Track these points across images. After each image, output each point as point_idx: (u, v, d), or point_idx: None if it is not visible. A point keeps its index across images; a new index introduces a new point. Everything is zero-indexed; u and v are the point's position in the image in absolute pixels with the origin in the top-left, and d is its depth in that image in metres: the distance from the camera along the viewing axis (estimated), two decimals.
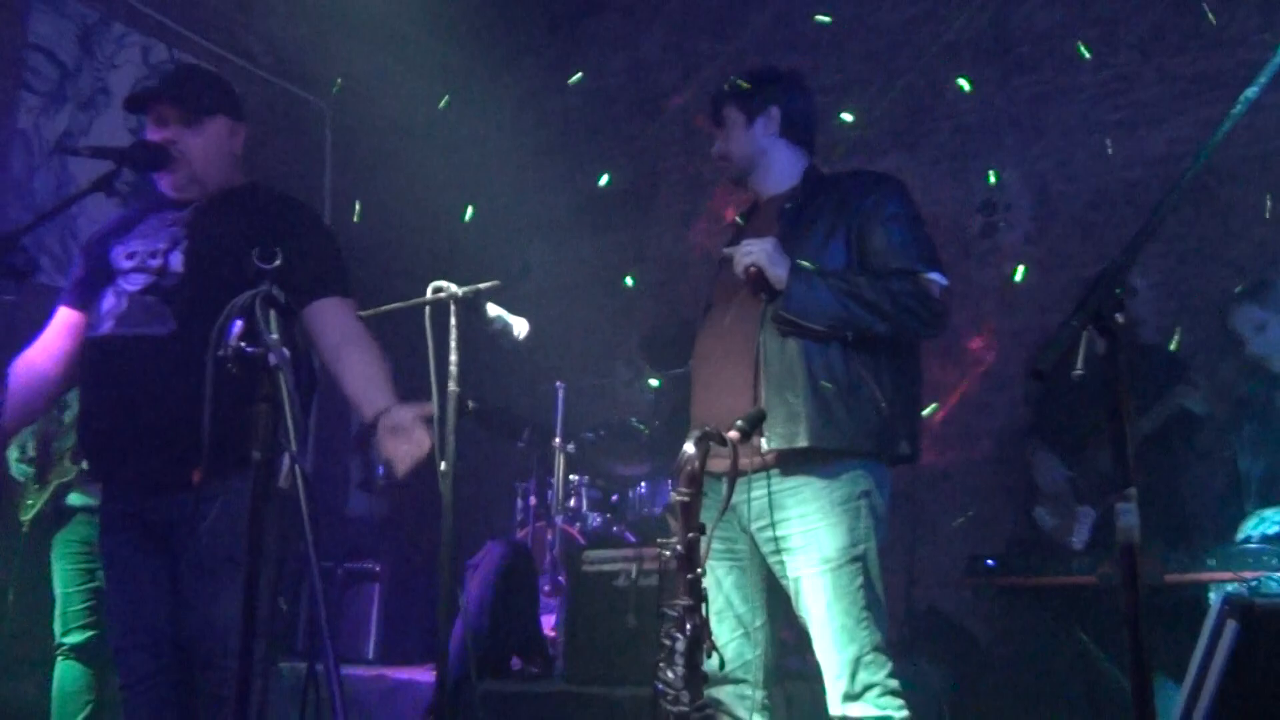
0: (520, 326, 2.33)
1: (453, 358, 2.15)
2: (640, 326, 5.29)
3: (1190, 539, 3.70)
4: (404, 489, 5.76)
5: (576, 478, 4.67)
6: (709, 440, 1.97)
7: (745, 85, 2.63)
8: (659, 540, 1.99)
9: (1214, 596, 3.01)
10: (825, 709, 2.28)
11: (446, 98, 5.86)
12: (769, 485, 2.32)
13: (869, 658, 2.24)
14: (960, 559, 3.96)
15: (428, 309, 2.16)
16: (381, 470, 5.86)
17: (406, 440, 2.14)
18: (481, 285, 2.22)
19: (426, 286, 2.20)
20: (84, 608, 3.50)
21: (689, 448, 1.96)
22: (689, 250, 5.66)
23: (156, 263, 2.31)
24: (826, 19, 5.23)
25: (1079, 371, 1.37)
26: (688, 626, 1.91)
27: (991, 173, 4.95)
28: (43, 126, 4.59)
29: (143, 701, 2.28)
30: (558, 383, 4.71)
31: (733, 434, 1.98)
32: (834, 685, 2.26)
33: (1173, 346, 4.11)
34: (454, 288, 2.18)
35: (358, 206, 5.54)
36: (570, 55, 6.45)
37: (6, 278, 2.13)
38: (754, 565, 2.41)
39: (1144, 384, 3.69)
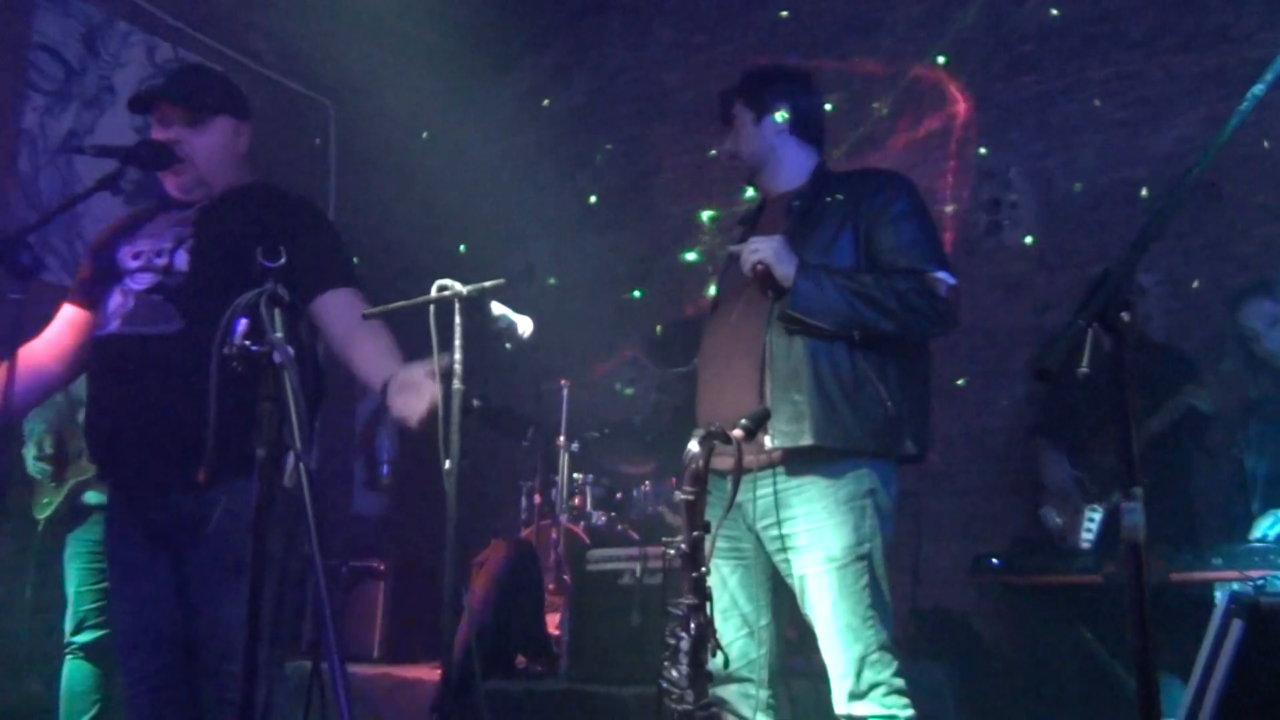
0: (525, 325, 2.32)
1: (457, 356, 2.14)
2: (644, 326, 5.28)
3: (1196, 538, 3.69)
4: (408, 488, 5.78)
5: (581, 476, 4.67)
6: (714, 439, 1.97)
7: (754, 83, 2.63)
8: (664, 539, 2.00)
9: (1220, 595, 3.00)
10: (830, 708, 2.28)
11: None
12: (774, 483, 2.32)
13: (874, 656, 2.24)
14: (965, 558, 3.96)
15: (432, 307, 2.15)
16: (386, 470, 5.88)
17: (416, 394, 2.12)
18: (486, 284, 2.22)
19: (430, 285, 2.20)
20: (95, 607, 3.49)
21: (694, 446, 1.96)
22: (692, 249, 5.65)
23: (162, 261, 2.30)
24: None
25: (1084, 369, 1.36)
26: (692, 625, 1.91)
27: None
28: (48, 126, 4.60)
29: (145, 701, 2.28)
30: (562, 381, 4.71)
31: (737, 432, 1.97)
32: (839, 684, 2.26)
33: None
34: (459, 286, 2.17)
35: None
36: (574, 54, 6.45)
37: (13, 276, 2.12)
38: (759, 564, 2.41)
39: (1153, 383, 3.67)
